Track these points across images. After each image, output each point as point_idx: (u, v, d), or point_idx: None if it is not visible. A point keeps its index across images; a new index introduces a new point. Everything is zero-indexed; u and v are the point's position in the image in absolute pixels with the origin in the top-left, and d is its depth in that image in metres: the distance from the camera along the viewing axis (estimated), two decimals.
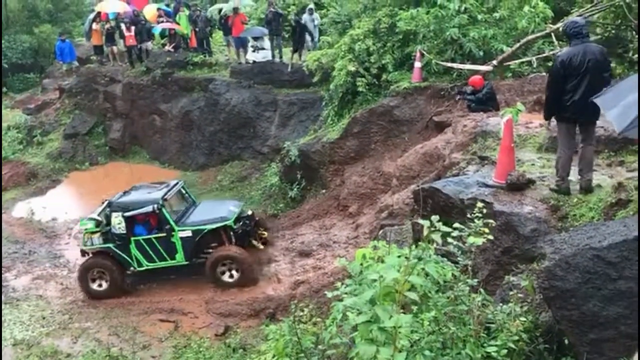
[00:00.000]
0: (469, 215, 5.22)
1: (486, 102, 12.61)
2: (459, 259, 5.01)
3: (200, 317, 11.97)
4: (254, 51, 21.99)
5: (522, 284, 5.24)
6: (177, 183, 14.53)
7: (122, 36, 24.30)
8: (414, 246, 3.86)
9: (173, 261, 13.18)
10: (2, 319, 12.03)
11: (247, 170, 20.62)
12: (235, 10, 22.42)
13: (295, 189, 17.28)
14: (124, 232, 13.06)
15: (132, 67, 24.56)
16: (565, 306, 4.71)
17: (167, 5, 26.74)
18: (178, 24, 23.90)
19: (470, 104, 12.92)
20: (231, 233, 13.23)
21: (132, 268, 13.35)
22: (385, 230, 10.76)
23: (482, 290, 5.01)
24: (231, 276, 12.94)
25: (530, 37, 14.06)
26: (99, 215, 13.40)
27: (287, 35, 23.03)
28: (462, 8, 14.47)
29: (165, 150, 23.34)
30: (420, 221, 3.64)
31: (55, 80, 28.27)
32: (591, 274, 4.62)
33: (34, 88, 30.48)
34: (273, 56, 21.81)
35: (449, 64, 14.65)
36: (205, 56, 23.37)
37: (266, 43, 21.89)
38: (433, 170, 11.83)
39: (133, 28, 23.71)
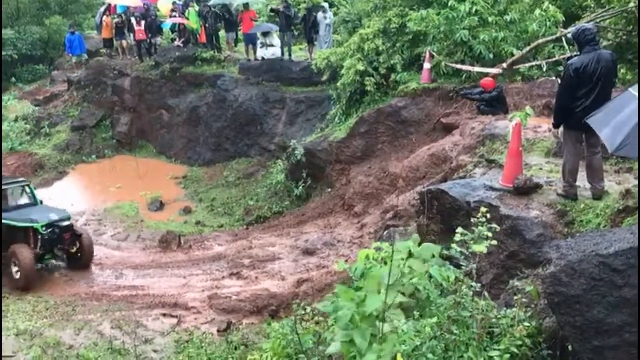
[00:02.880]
0: (474, 219, 5.19)
1: (494, 104, 12.57)
2: (462, 264, 4.99)
3: (203, 312, 11.96)
4: (262, 48, 21.99)
5: (526, 289, 5.21)
6: (21, 181, 14.92)
7: (132, 30, 24.36)
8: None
9: None
10: (7, 309, 12.09)
11: (253, 167, 20.62)
12: (246, 6, 22.42)
13: (300, 187, 17.28)
14: None
15: (141, 61, 24.62)
16: (570, 312, 4.67)
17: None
18: (188, 19, 23.93)
19: (479, 106, 12.89)
20: (38, 237, 13.40)
21: None
22: (391, 231, 10.75)
23: (486, 294, 4.98)
24: (16, 273, 13.07)
25: (540, 40, 13.99)
26: None
27: (297, 33, 23.04)
28: (473, 10, 14.41)
29: (172, 145, 23.37)
30: None
31: (65, 73, 28.38)
32: (597, 281, 4.58)
33: (43, 80, 30.57)
34: (282, 53, 21.80)
35: (459, 66, 14.61)
36: (214, 52, 23.40)
37: (275, 40, 21.87)
38: (440, 172, 11.81)
39: (143, 22, 23.76)
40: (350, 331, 2.84)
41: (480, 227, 5.00)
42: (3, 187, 13.99)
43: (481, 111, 12.79)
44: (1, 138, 21.91)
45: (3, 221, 13.38)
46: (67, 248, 13.85)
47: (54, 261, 14.13)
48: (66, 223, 13.91)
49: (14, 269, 13.08)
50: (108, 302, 12.58)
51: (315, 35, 20.88)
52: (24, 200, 14.54)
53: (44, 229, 13.44)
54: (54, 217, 13.85)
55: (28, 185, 14.84)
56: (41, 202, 14.80)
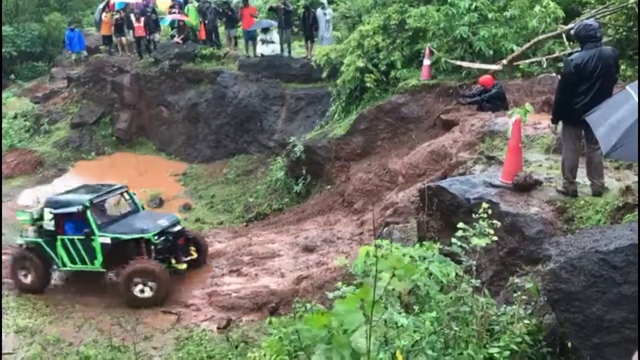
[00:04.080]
0: (474, 215, 5.18)
1: (495, 102, 12.56)
2: (462, 259, 4.98)
3: (202, 309, 11.97)
4: (262, 44, 21.96)
5: (526, 285, 5.20)
6: (119, 187, 13.84)
7: (131, 27, 24.32)
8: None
9: (92, 266, 12.72)
10: (7, 305, 12.09)
11: (253, 164, 20.63)
12: (245, 2, 22.38)
13: (300, 184, 17.28)
14: (53, 228, 12.68)
15: (140, 58, 24.60)
16: (570, 309, 4.67)
17: None
18: (187, 15, 23.88)
19: (480, 103, 12.89)
20: (151, 247, 12.50)
21: (54, 266, 13.07)
22: (390, 227, 10.73)
23: (485, 291, 4.98)
24: (143, 291, 12.13)
25: (540, 37, 13.97)
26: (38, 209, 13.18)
27: (296, 30, 23.00)
28: (473, 6, 14.40)
29: (171, 141, 23.37)
30: None
31: (64, 70, 28.36)
32: (596, 278, 4.58)
33: (43, 76, 30.56)
34: (282, 50, 21.76)
35: (458, 62, 14.59)
36: (213, 49, 23.36)
37: (275, 37, 21.84)
38: (439, 169, 11.80)
39: (142, 19, 23.72)
40: (328, 346, 2.77)
41: (481, 222, 4.99)
42: (101, 197, 13.16)
43: (481, 108, 12.78)
44: (1, 136, 21.91)
45: (111, 236, 12.46)
46: (182, 254, 12.91)
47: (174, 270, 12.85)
48: (177, 228, 13.00)
49: (139, 289, 12.05)
50: (108, 299, 12.58)
51: (315, 32, 20.84)
52: (125, 208, 13.62)
53: (156, 237, 12.45)
54: (164, 223, 12.89)
55: (127, 191, 13.80)
56: (142, 207, 13.95)
